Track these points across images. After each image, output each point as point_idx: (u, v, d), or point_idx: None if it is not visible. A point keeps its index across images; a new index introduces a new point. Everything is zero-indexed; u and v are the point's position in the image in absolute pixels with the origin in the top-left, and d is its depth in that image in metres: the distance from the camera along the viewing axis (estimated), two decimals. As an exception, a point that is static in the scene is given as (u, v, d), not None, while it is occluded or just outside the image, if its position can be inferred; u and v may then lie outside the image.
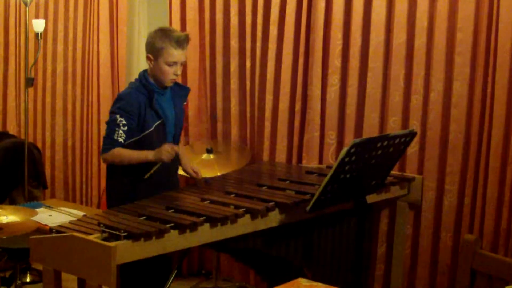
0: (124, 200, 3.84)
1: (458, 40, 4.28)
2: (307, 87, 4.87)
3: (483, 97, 4.24)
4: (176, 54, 4.00)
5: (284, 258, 4.12)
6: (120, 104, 4.00)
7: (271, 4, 4.99)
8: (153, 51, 4.02)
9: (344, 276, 4.29)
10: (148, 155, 3.98)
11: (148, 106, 4.02)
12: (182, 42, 4.01)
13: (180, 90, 4.25)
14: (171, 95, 4.18)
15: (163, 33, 4.02)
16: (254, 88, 5.16)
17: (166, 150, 3.94)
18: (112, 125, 3.98)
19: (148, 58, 4.06)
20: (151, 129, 4.03)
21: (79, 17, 6.23)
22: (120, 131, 3.95)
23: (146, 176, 3.99)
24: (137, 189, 4.02)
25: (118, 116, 3.96)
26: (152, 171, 4.00)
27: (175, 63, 4.01)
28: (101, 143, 5.89)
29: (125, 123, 3.96)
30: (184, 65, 5.39)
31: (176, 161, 4.20)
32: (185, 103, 4.34)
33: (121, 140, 3.96)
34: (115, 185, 4.16)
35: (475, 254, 3.55)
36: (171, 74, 4.03)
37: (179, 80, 5.36)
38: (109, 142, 3.98)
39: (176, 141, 4.22)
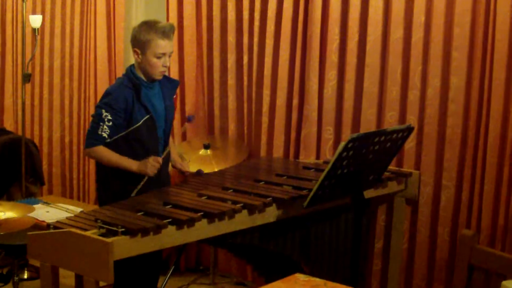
0: (114, 198, 3.82)
1: (455, 35, 4.28)
2: (304, 82, 4.87)
3: (480, 92, 4.24)
4: (163, 45, 3.98)
5: (282, 254, 4.12)
6: (107, 99, 3.99)
7: (268, -1, 4.99)
8: (140, 44, 4.00)
9: (341, 271, 4.29)
10: (132, 165, 3.96)
11: (136, 101, 4.00)
12: (168, 32, 4.00)
13: (169, 83, 4.23)
14: (160, 89, 4.16)
15: (148, 25, 4.00)
16: (252, 83, 5.16)
17: (151, 164, 3.93)
18: (97, 119, 3.97)
19: (135, 52, 4.03)
20: (139, 123, 4.01)
21: (76, 12, 6.22)
22: (105, 126, 3.94)
23: (133, 194, 3.97)
24: (126, 193, 3.98)
25: (103, 111, 3.95)
26: (139, 187, 3.98)
27: (163, 54, 4.00)
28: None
29: (110, 118, 3.94)
30: (181, 61, 5.42)
31: (167, 158, 4.21)
32: (174, 96, 4.33)
33: (105, 135, 3.95)
34: (105, 190, 4.14)
35: (472, 249, 3.54)
36: (160, 66, 4.02)
37: (176, 75, 5.37)
38: (93, 136, 3.97)
39: (166, 135, 4.21)
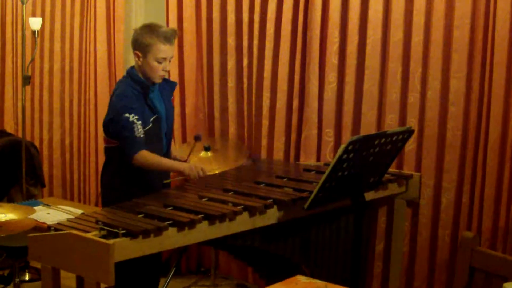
0: (118, 201, 3.80)
1: (455, 37, 4.28)
2: (304, 84, 4.88)
3: (480, 95, 4.24)
4: (165, 49, 3.98)
5: (282, 256, 4.12)
6: (124, 102, 3.94)
7: (268, 1, 4.99)
8: (141, 48, 3.99)
9: (342, 273, 4.29)
10: (180, 167, 4.02)
11: (143, 102, 4.01)
12: (170, 37, 4.00)
13: (167, 85, 4.22)
14: (159, 91, 4.16)
15: (150, 29, 4.00)
16: (252, 86, 5.16)
17: (198, 172, 3.99)
18: (126, 124, 3.89)
19: (136, 55, 4.02)
20: (150, 125, 4.01)
21: (76, 15, 6.22)
22: (139, 127, 3.90)
23: (166, 182, 4.07)
24: (131, 191, 3.97)
25: (128, 114, 3.89)
26: (173, 180, 4.09)
27: (164, 59, 3.99)
28: (99, 141, 5.94)
29: (137, 117, 3.91)
30: (181, 63, 5.42)
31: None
32: (172, 97, 4.33)
33: (142, 135, 3.91)
34: (110, 191, 4.15)
35: (473, 251, 3.55)
36: (160, 70, 4.01)
37: (175, 77, 5.37)
38: (133, 142, 3.90)
39: (168, 137, 4.21)
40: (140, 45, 4.00)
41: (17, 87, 6.62)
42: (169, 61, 4.04)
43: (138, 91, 4.00)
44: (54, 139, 6.47)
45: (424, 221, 4.50)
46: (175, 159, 4.31)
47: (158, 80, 4.05)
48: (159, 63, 3.98)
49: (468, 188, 4.33)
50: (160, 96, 4.14)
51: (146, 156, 3.91)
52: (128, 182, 4.03)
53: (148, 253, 3.33)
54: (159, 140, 4.10)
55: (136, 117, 3.91)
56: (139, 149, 3.90)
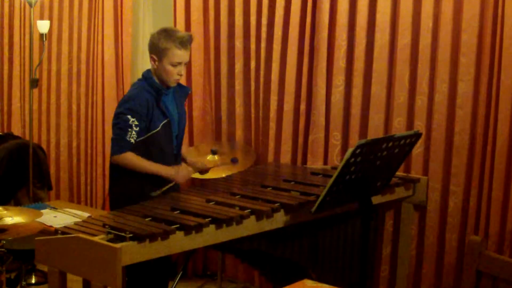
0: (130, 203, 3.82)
1: (463, 41, 4.27)
2: (312, 88, 4.87)
3: (488, 98, 4.23)
4: (180, 54, 4.04)
5: (289, 259, 4.12)
6: (130, 104, 4.01)
7: (276, 5, 4.99)
8: (157, 52, 4.05)
9: (349, 277, 4.29)
10: (160, 170, 4.02)
11: (155, 106, 4.05)
12: (186, 42, 4.05)
13: (181, 89, 4.28)
14: (173, 95, 4.20)
15: (167, 34, 4.05)
16: (259, 89, 5.16)
17: (183, 173, 4.04)
18: (123, 125, 3.98)
19: (152, 58, 4.09)
20: (158, 128, 4.05)
21: (83, 17, 6.23)
22: (133, 132, 3.97)
23: (154, 194, 3.98)
24: (143, 194, 3.99)
25: (129, 117, 3.97)
26: (163, 189, 4.00)
27: (179, 63, 4.05)
28: (106, 144, 5.94)
29: (137, 123, 3.98)
30: (189, 66, 5.42)
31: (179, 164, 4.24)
32: (185, 102, 4.37)
33: (132, 141, 3.98)
34: (120, 191, 4.15)
35: (480, 255, 3.54)
36: (175, 74, 4.07)
37: (184, 80, 5.37)
38: (121, 143, 3.99)
39: (179, 141, 4.24)
40: (156, 49, 4.06)
41: (24, 89, 6.63)
42: (184, 65, 4.10)
43: (152, 94, 4.04)
44: (61, 141, 6.48)
45: (431, 225, 4.49)
46: (190, 162, 4.35)
47: (172, 84, 4.12)
48: (174, 67, 4.04)
49: (475, 192, 4.31)
50: (173, 100, 4.19)
51: (130, 158, 4.00)
52: (141, 180, 4.04)
53: (155, 257, 3.33)
54: (169, 143, 4.15)
55: (136, 123, 3.99)
56: (123, 151, 4.00)
